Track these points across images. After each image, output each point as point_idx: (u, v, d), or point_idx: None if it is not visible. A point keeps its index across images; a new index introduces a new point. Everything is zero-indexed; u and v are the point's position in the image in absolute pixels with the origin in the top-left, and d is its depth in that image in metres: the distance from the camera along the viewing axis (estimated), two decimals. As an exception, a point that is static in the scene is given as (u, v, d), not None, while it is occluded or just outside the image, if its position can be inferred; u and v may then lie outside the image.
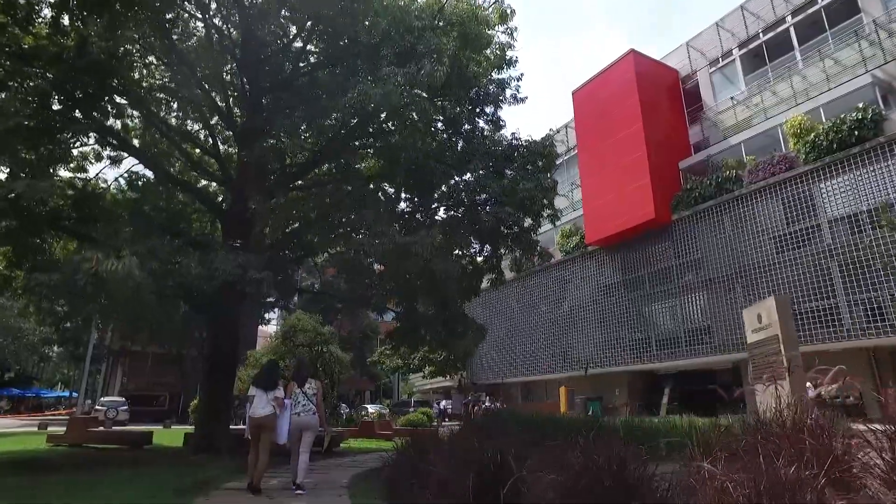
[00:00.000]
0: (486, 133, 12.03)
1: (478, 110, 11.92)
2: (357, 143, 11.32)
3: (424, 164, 9.81)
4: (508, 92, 11.25)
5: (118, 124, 14.23)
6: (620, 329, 25.42)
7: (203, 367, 11.61)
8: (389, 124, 9.60)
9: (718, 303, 21.25)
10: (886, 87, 18.28)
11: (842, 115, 18.00)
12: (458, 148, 11.60)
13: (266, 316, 46.81)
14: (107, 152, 14.69)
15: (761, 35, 22.86)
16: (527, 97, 11.91)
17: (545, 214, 11.09)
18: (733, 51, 24.04)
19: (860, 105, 17.68)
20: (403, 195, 11.75)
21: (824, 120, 18.97)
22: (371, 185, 11.28)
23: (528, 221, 11.24)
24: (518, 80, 11.59)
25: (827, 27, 20.59)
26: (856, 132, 17.41)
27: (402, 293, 11.49)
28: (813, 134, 18.65)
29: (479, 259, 12.10)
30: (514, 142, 11.26)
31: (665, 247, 23.80)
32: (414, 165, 9.73)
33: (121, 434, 13.65)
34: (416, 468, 5.30)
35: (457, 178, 10.48)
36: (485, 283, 13.67)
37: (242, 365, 24.47)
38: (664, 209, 23.37)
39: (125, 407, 26.87)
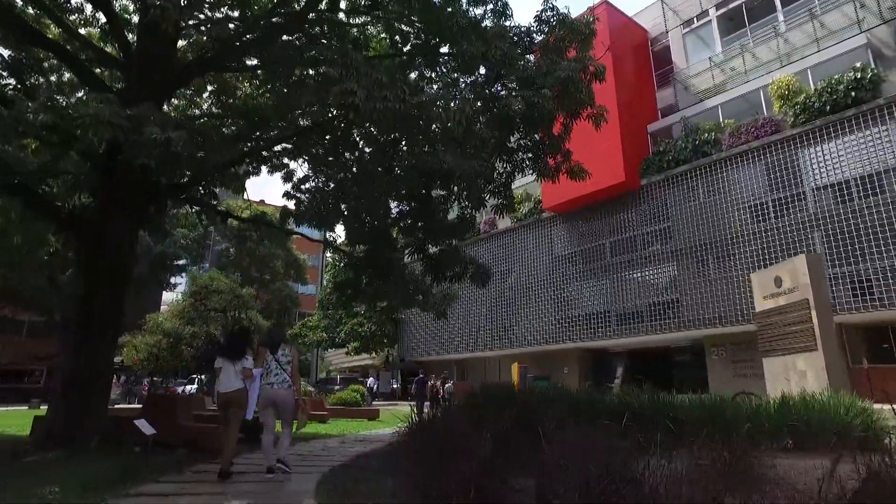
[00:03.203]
0: (486, 28, 8.96)
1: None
2: None
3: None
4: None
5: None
6: (575, 303, 23.54)
7: (69, 319, 7.73)
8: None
9: (687, 275, 19.75)
10: (876, 51, 17.28)
11: (836, 76, 16.75)
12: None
13: (172, 280, 41.28)
14: None
15: (742, -6, 21.42)
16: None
17: (585, 115, 8.19)
18: (709, 11, 22.51)
19: (857, 65, 16.47)
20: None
21: (812, 83, 17.77)
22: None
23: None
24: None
25: (814, -12, 19.39)
26: (853, 93, 16.18)
27: (373, 218, 8.20)
28: (804, 95, 17.33)
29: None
30: (547, 12, 8.32)
31: (631, 214, 22.04)
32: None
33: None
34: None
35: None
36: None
37: (139, 331, 20.18)
38: (633, 173, 21.56)
39: (-23, 383, 21.38)
